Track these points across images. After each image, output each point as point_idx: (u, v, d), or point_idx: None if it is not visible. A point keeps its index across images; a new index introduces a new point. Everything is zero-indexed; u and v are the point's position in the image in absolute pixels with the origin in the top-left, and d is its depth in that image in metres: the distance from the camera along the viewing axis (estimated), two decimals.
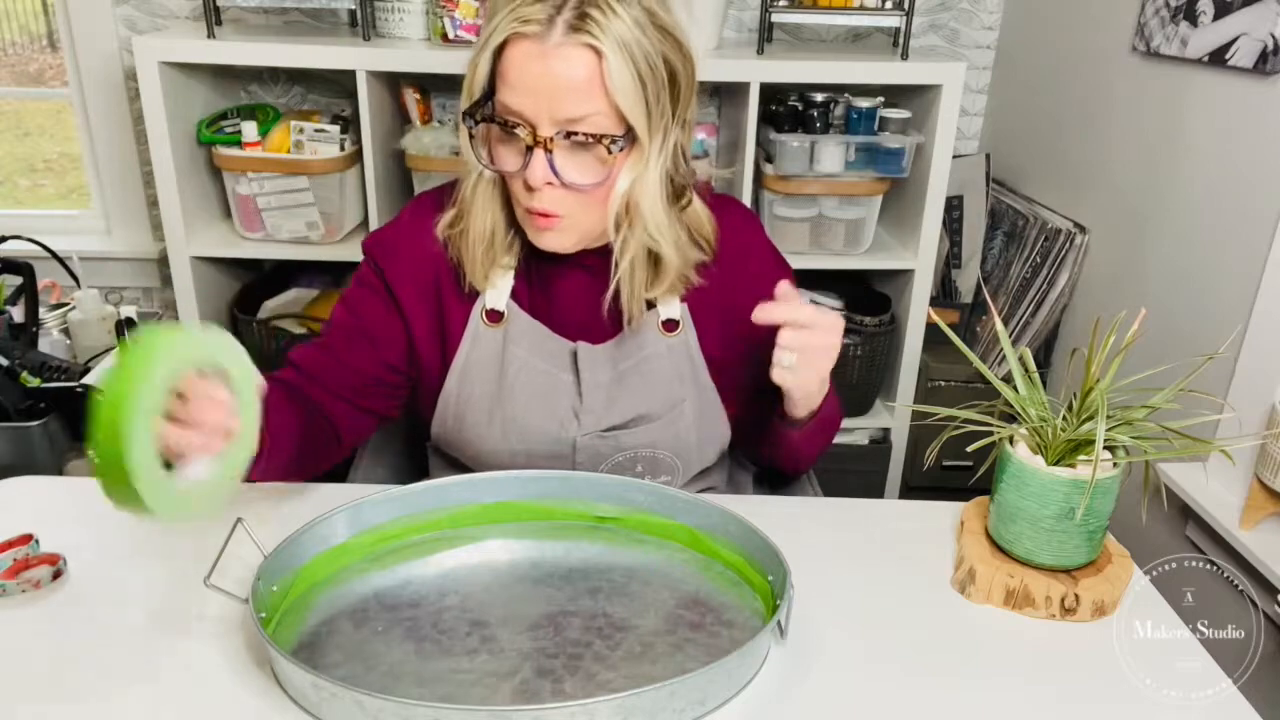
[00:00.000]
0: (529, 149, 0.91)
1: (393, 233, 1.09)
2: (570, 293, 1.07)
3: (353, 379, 1.08)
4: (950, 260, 2.20)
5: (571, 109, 0.89)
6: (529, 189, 0.94)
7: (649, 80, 0.91)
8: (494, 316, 1.06)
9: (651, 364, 1.07)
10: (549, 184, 0.93)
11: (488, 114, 0.93)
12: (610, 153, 0.92)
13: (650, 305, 1.06)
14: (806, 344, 0.94)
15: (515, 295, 1.07)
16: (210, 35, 1.82)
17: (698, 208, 1.04)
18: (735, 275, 1.09)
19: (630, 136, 0.93)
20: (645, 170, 0.95)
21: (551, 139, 0.91)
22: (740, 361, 1.12)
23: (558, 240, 0.99)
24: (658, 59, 0.91)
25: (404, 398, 1.13)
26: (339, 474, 1.17)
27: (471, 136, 0.96)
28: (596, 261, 1.05)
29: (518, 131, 0.92)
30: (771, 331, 1.12)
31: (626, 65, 0.89)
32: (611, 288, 1.02)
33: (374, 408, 1.10)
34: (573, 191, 0.94)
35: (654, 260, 1.02)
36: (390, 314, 1.08)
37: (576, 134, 0.91)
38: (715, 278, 1.08)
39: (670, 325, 1.07)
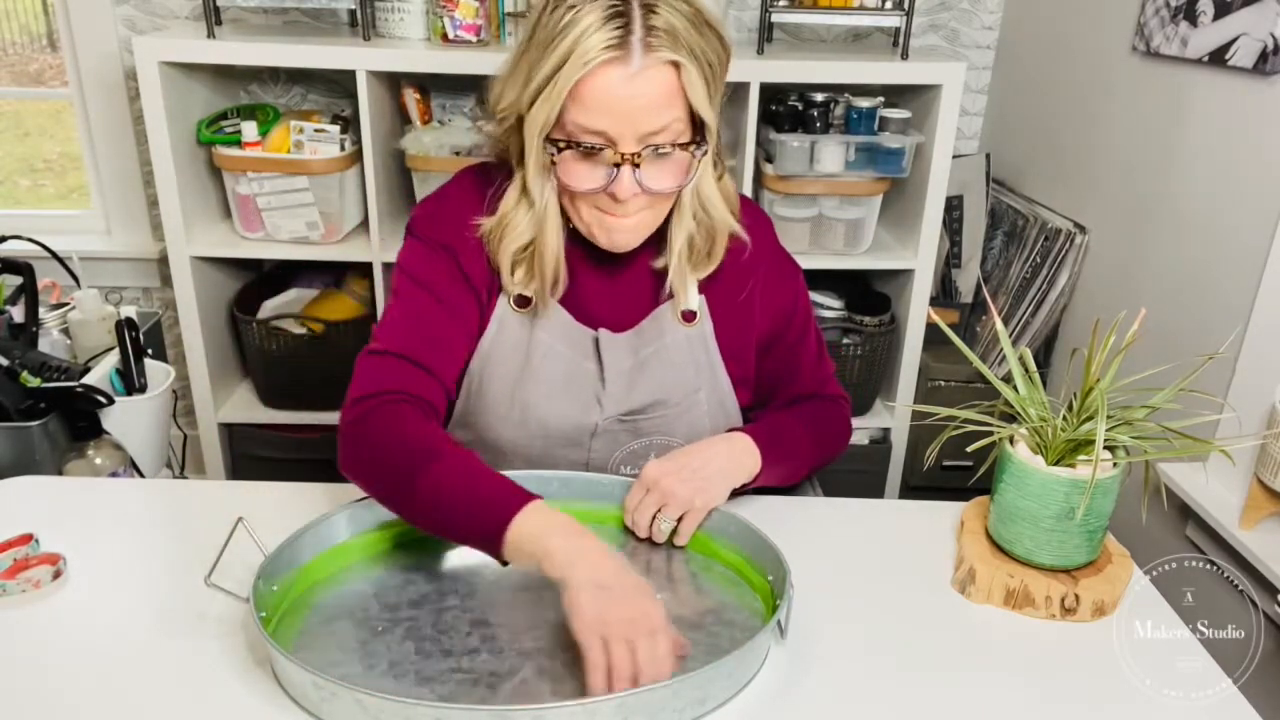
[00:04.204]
0: (615, 164, 0.94)
1: (451, 214, 1.07)
2: (594, 282, 1.09)
3: (448, 360, 1.05)
4: (950, 260, 2.20)
5: (654, 123, 0.92)
6: (615, 200, 0.96)
7: (712, 78, 0.95)
8: (522, 302, 1.07)
9: (670, 351, 1.09)
10: (635, 195, 0.96)
11: (568, 138, 0.94)
12: (694, 157, 0.97)
13: (670, 295, 1.09)
14: (662, 496, 0.97)
15: None
16: (210, 35, 1.82)
17: (727, 180, 1.07)
18: (749, 271, 1.12)
19: (703, 134, 0.97)
20: (710, 153, 1.00)
21: (638, 153, 0.93)
22: (749, 356, 1.14)
23: (630, 239, 1.02)
24: (713, 55, 0.95)
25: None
26: (339, 474, 1.17)
27: (554, 164, 0.96)
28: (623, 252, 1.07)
29: (605, 153, 0.94)
30: (771, 336, 1.13)
31: (699, 70, 0.93)
32: (671, 273, 1.05)
33: (450, 387, 1.06)
34: (653, 196, 0.97)
35: (700, 247, 1.06)
36: (468, 293, 1.06)
37: (662, 146, 0.94)
38: (730, 272, 1.10)
39: (689, 315, 1.09)
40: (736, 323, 1.12)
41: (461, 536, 0.91)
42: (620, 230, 1.00)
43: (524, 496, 0.88)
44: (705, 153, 0.98)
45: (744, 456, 1.04)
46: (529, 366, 1.07)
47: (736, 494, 1.04)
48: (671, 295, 1.09)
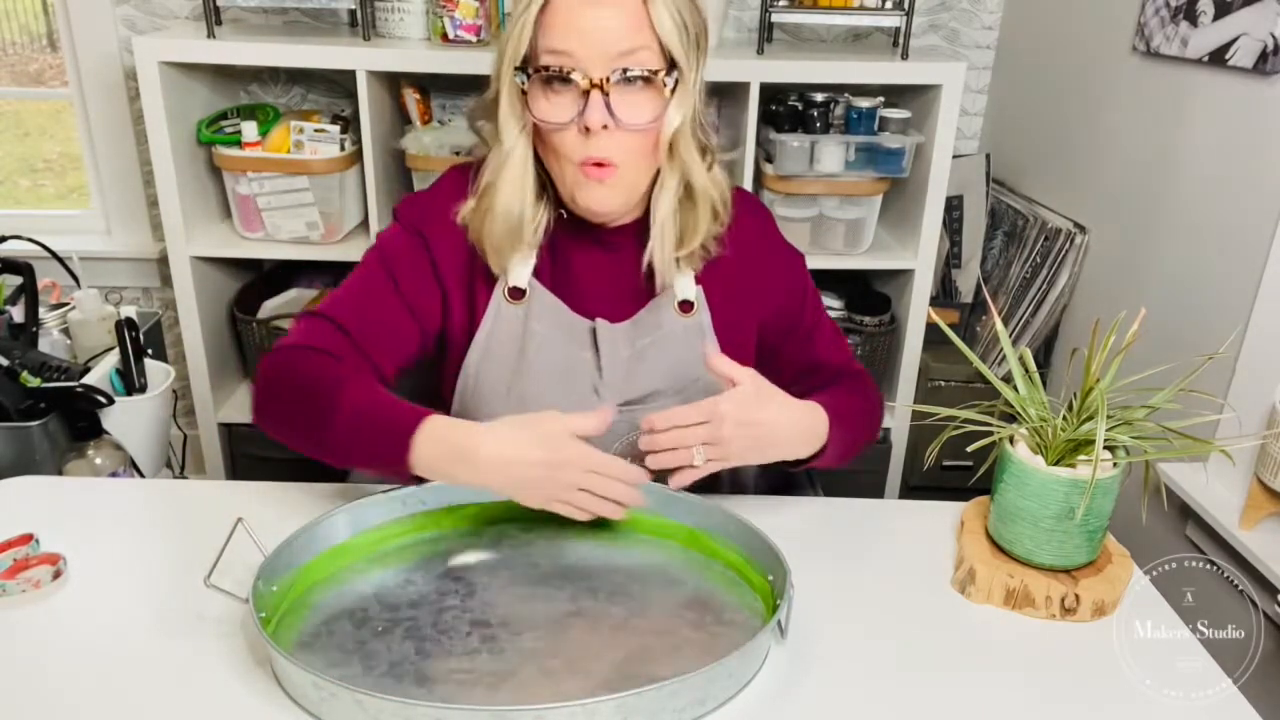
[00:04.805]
0: (585, 94, 0.95)
1: (433, 202, 1.10)
2: (590, 272, 1.10)
3: (386, 342, 1.06)
4: (950, 260, 2.20)
5: (622, 44, 0.94)
6: (586, 134, 0.96)
7: (684, 23, 0.97)
8: (516, 294, 1.08)
9: (668, 342, 1.09)
10: (605, 127, 0.96)
11: (540, 66, 0.96)
12: (665, 85, 0.97)
13: (668, 285, 1.09)
14: (713, 435, 0.94)
15: (537, 273, 1.09)
16: (210, 35, 1.82)
17: (719, 172, 1.08)
18: (747, 260, 1.12)
19: (675, 71, 0.98)
20: (688, 110, 1.00)
21: (607, 79, 0.94)
22: (749, 349, 1.15)
23: (608, 196, 1.01)
24: (687, 8, 0.98)
25: (409, 365, 1.13)
26: (339, 473, 1.17)
27: (524, 93, 0.98)
28: (617, 239, 1.08)
29: (573, 77, 0.95)
30: (784, 323, 1.14)
31: (667, 9, 0.95)
32: (648, 252, 1.06)
33: (385, 369, 1.08)
34: (626, 135, 0.97)
35: (682, 217, 1.06)
36: (432, 284, 1.08)
37: (630, 70, 0.95)
38: (728, 262, 1.11)
39: (686, 306, 1.10)
40: (735, 313, 1.13)
41: (368, 458, 0.95)
42: (598, 188, 1.00)
43: (423, 410, 0.93)
44: (677, 82, 0.98)
45: (812, 435, 1.00)
46: (524, 358, 1.08)
47: (792, 466, 1.02)
48: (665, 286, 1.09)
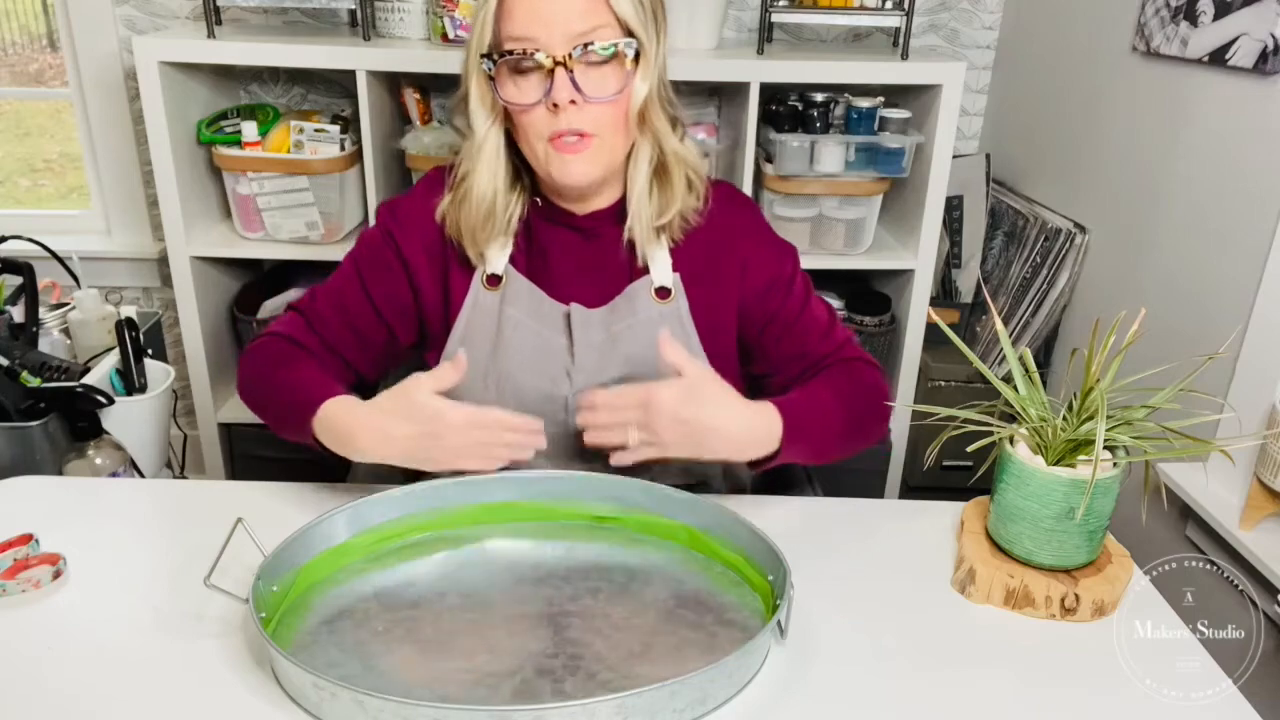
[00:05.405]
0: (550, 73, 0.97)
1: (408, 202, 1.14)
2: (566, 258, 1.11)
3: (354, 342, 1.13)
4: (950, 260, 2.20)
5: (580, 24, 0.97)
6: (554, 110, 0.98)
7: (641, 6, 1.00)
8: (493, 281, 1.10)
9: (644, 328, 1.10)
10: (572, 103, 0.98)
11: (504, 51, 0.99)
12: (626, 55, 0.99)
13: (645, 271, 1.10)
14: (646, 422, 0.96)
15: (513, 260, 1.11)
16: (210, 35, 1.82)
17: (690, 144, 1.09)
18: (728, 251, 1.12)
19: (636, 45, 1.00)
20: (653, 81, 1.02)
21: (569, 56, 0.97)
22: (729, 338, 1.15)
23: (585, 167, 1.02)
24: None
25: (383, 366, 1.20)
26: (339, 474, 1.17)
27: (492, 79, 1.01)
28: (592, 225, 1.10)
29: (537, 58, 0.97)
30: (766, 311, 1.13)
31: None
32: (627, 227, 1.07)
33: (362, 370, 1.16)
34: (595, 108, 0.99)
35: (658, 186, 1.07)
36: (401, 284, 1.12)
37: (591, 44, 0.97)
38: (707, 251, 1.11)
39: (663, 293, 1.10)
40: (713, 302, 1.12)
41: (296, 436, 1.02)
42: (575, 160, 1.01)
43: (326, 393, 0.99)
44: (639, 54, 1.00)
45: (758, 439, 0.98)
46: (501, 340, 1.09)
47: (755, 465, 1.01)
48: (647, 270, 1.10)
